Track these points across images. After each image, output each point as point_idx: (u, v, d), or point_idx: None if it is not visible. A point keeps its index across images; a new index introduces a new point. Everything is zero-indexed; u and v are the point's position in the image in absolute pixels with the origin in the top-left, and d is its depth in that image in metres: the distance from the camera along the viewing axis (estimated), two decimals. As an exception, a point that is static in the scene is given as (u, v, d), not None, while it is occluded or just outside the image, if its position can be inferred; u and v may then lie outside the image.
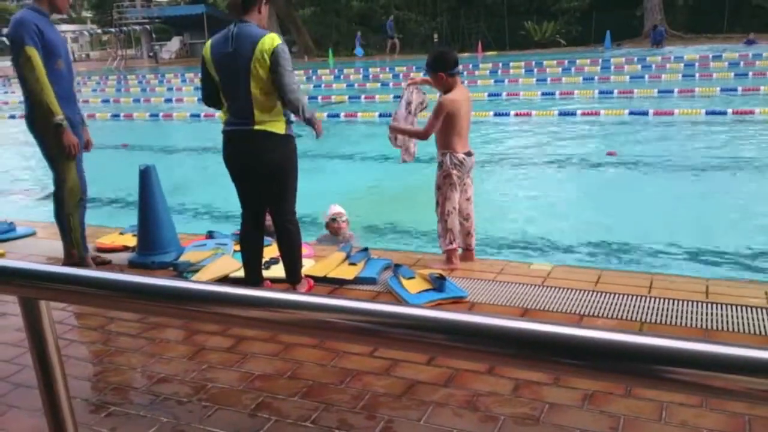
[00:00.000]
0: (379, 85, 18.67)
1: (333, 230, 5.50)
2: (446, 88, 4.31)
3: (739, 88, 12.81)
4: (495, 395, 2.80)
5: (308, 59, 31.39)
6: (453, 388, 2.85)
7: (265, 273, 4.15)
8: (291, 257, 3.93)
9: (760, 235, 5.20)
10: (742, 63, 17.85)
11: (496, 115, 12.01)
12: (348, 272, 4.20)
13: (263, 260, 4.14)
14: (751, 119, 9.91)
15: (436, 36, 32.83)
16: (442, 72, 4.28)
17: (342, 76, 21.56)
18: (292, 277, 3.96)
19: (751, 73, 15.60)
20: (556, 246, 5.21)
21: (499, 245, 5.26)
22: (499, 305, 3.79)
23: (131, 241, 4.94)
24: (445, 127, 4.30)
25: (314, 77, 21.78)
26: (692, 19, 29.76)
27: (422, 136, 4.42)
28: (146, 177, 4.57)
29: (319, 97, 16.43)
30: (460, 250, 4.47)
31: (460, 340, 0.96)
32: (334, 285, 4.16)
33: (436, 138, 4.39)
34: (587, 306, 3.74)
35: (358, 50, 31.58)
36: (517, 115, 11.93)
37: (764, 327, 3.36)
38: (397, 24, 33.76)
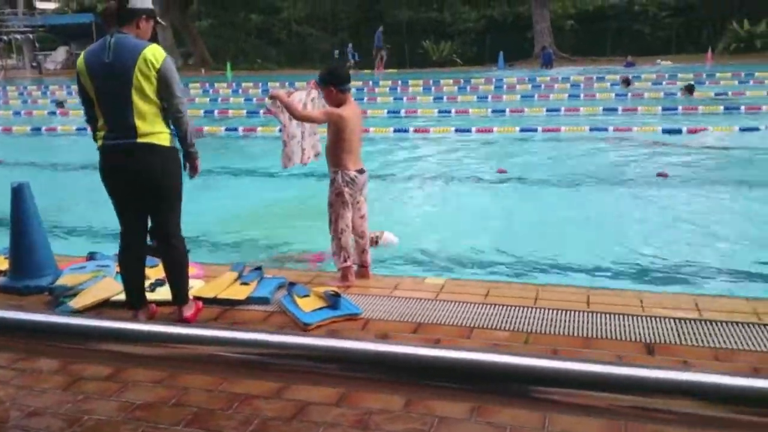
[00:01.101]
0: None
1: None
2: (337, 104, 4.32)
3: (620, 108, 13.69)
4: (387, 412, 2.79)
5: (205, 72, 30.67)
6: (345, 408, 2.82)
7: (150, 295, 3.95)
8: (177, 277, 3.75)
9: (638, 246, 5.54)
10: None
11: (396, 131, 12.18)
12: (239, 292, 4.08)
13: (148, 282, 3.94)
14: (629, 136, 10.61)
15: (336, 52, 33.02)
16: (333, 86, 4.29)
17: (240, 90, 21.19)
18: (179, 300, 3.78)
19: (630, 94, 16.72)
20: (449, 260, 5.31)
21: (396, 261, 5.30)
22: (392, 321, 3.80)
23: (3, 264, 4.58)
24: (335, 143, 4.30)
25: (211, 91, 21.27)
26: (578, 42, 31.63)
27: (302, 117, 4.33)
28: (19, 195, 4.25)
29: (216, 111, 16.05)
30: (355, 267, 4.45)
31: (348, 369, 0.94)
32: (225, 306, 4.03)
33: (328, 155, 4.39)
34: (478, 318, 3.82)
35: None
36: (416, 131, 12.15)
37: (641, 334, 3.55)
38: (298, 38, 33.73)
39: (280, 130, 4.69)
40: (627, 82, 16.49)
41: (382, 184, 8.22)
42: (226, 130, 13.07)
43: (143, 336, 1.00)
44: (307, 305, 3.85)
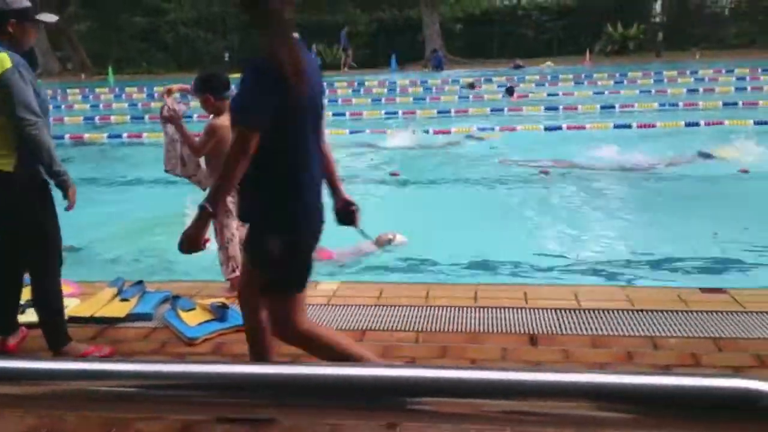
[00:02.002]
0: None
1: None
2: (216, 111, 4.19)
3: (506, 109, 14.23)
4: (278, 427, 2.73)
5: (85, 77, 29.05)
6: (229, 425, 2.72)
7: (22, 318, 3.65)
8: (47, 322, 3.36)
9: (523, 241, 5.75)
10: (509, 85, 19.89)
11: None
12: (119, 309, 3.87)
13: (20, 302, 3.64)
14: (515, 134, 11.05)
15: (227, 55, 32.25)
16: (210, 94, 4.15)
17: (123, 95, 20.22)
18: (54, 345, 3.36)
19: (516, 95, 17.42)
20: (343, 264, 5.29)
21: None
22: (283, 329, 3.73)
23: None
24: (217, 152, 4.17)
25: (92, 96, 20.17)
26: (467, 45, 32.60)
27: (195, 151, 4.23)
28: None
29: (97, 118, 15.23)
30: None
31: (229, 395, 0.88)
32: (104, 325, 3.80)
33: (207, 163, 4.25)
34: (371, 320, 3.83)
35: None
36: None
37: (525, 326, 3.68)
38: (186, 42, 32.66)
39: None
40: (511, 91, 17.01)
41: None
42: (109, 137, 12.44)
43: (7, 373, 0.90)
44: (193, 319, 3.70)
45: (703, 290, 4.12)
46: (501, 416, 0.82)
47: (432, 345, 3.51)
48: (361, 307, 4.02)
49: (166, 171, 4.49)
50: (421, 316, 3.86)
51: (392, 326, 3.75)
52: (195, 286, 4.44)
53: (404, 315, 3.89)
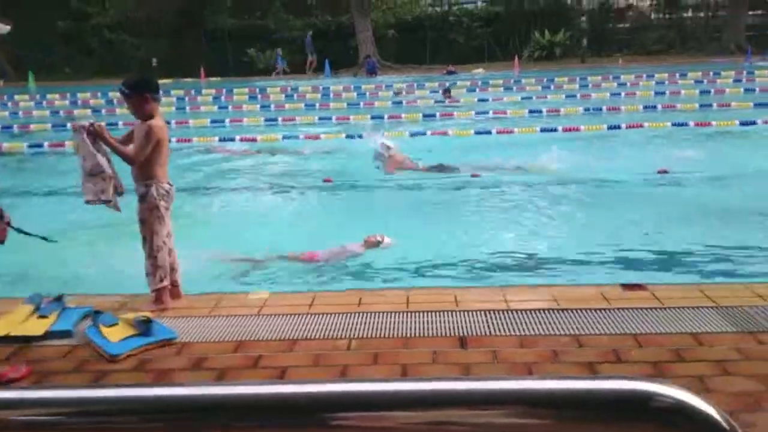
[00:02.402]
0: (89, 111, 17.22)
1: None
2: (150, 113, 4.08)
3: (438, 113, 14.42)
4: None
5: (4, 84, 27.71)
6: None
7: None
8: None
9: (454, 245, 5.82)
10: (440, 90, 20.17)
11: (221, 140, 11.85)
12: (37, 327, 3.68)
13: None
14: (447, 139, 11.20)
15: (155, 61, 31.44)
16: (149, 94, 4.07)
17: (45, 102, 19.39)
18: None
19: (447, 101, 17.67)
20: (274, 272, 5.22)
21: (218, 277, 5.11)
22: (211, 342, 3.65)
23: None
24: (150, 155, 4.06)
25: (10, 104, 19.25)
26: (400, 50, 32.89)
27: (131, 159, 4.09)
28: None
29: (15, 126, 14.55)
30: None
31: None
32: (20, 343, 3.61)
33: (134, 168, 4.12)
34: (302, 330, 3.79)
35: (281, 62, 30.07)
36: (242, 140, 11.89)
37: (455, 329, 3.72)
38: (112, 46, 31.64)
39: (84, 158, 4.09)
40: (447, 91, 17.36)
41: (204, 196, 7.94)
42: (30, 146, 11.89)
43: None
44: (115, 334, 3.57)
45: (625, 287, 4.27)
46: (422, 428, 0.82)
47: (364, 352, 3.50)
48: (293, 316, 3.98)
49: (88, 202, 4.23)
50: (353, 323, 3.84)
51: (324, 335, 3.72)
52: (118, 300, 4.28)
53: (336, 323, 3.86)
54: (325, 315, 3.98)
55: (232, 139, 11.85)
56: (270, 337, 3.70)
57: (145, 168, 4.11)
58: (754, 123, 11.04)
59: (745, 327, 3.55)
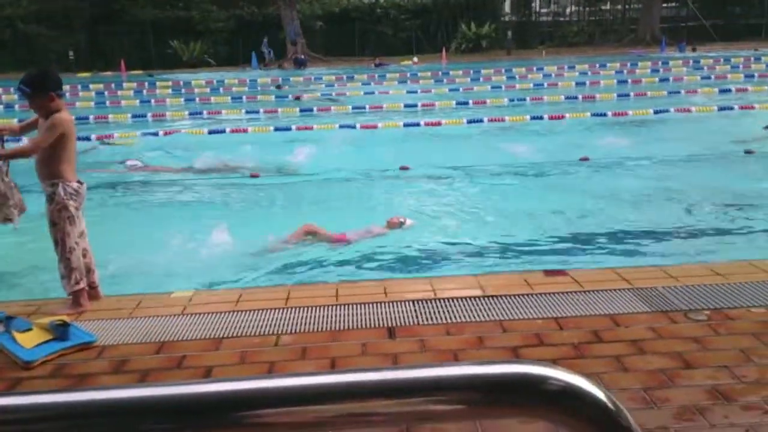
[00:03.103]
0: (1, 107, 16.35)
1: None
2: (54, 110, 3.88)
3: (367, 106, 14.43)
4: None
5: None
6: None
7: None
8: None
9: (385, 237, 5.84)
10: (372, 83, 20.21)
11: (144, 135, 11.47)
12: (-59, 336, 3.47)
13: None
14: (373, 132, 11.23)
15: (72, 53, 30.08)
16: (53, 91, 3.86)
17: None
18: None
19: (377, 92, 17.72)
20: (198, 269, 5.10)
21: (141, 276, 4.95)
22: (132, 344, 3.53)
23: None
24: (55, 152, 3.87)
25: None
26: (328, 42, 32.70)
27: (31, 150, 3.90)
28: None
29: None
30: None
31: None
32: None
33: (42, 169, 3.92)
34: (228, 327, 3.71)
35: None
36: (166, 134, 11.55)
37: (384, 320, 3.74)
38: (25, 39, 30.05)
39: None
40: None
41: (126, 194, 7.67)
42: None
43: None
44: (30, 340, 3.40)
45: (547, 273, 4.39)
46: (339, 420, 0.81)
47: (292, 347, 3.47)
48: (218, 314, 3.89)
49: None
50: (280, 319, 3.80)
51: (251, 331, 3.66)
52: (32, 304, 4.09)
53: (263, 319, 3.81)
54: (252, 311, 3.91)
55: (156, 134, 11.50)
56: (194, 336, 3.61)
57: (50, 166, 3.90)
58: (667, 111, 11.57)
59: (658, 307, 3.72)
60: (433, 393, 0.80)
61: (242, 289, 4.35)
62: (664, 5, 35.61)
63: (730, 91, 14.85)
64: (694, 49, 28.02)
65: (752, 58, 22.21)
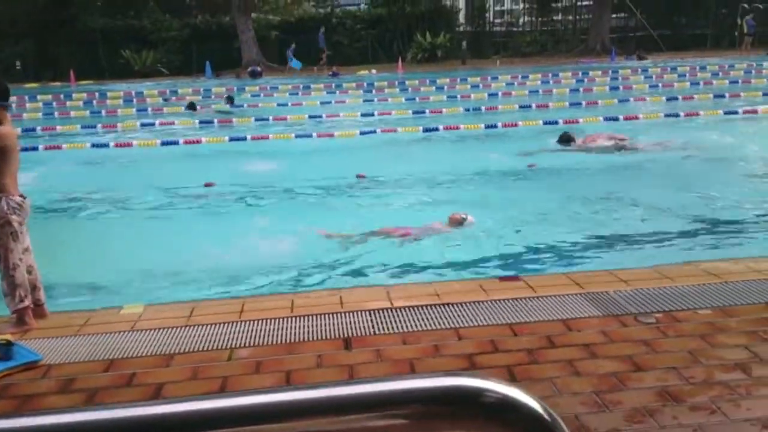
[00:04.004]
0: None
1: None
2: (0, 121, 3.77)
3: (324, 115, 14.40)
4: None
5: None
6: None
7: None
8: None
9: (338, 246, 5.82)
10: (325, 92, 20.19)
11: (93, 146, 11.21)
12: None
13: None
14: (332, 141, 11.21)
15: (18, 63, 29.23)
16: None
17: None
18: None
19: (334, 101, 17.70)
20: (149, 284, 4.99)
21: (90, 292, 4.81)
22: (80, 362, 3.42)
23: None
24: (2, 161, 3.75)
25: None
26: (284, 52, 32.48)
27: None
28: None
29: None
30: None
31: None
32: None
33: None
34: (180, 343, 3.64)
35: (295, 63, 28.70)
36: (117, 146, 11.29)
37: (340, 330, 3.71)
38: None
39: None
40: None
41: (73, 208, 7.46)
42: None
43: None
44: (-31, 362, 3.26)
45: (501, 279, 4.44)
46: None
47: (246, 361, 3.42)
48: (170, 329, 3.81)
49: None
50: (234, 332, 3.74)
51: (203, 346, 3.59)
52: (-27, 324, 3.92)
53: (217, 333, 3.74)
54: (205, 326, 3.85)
55: (106, 146, 11.23)
56: (145, 352, 3.52)
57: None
58: (616, 119, 11.86)
59: (609, 311, 3.79)
60: (370, 409, 0.79)
61: (195, 303, 4.26)
62: (614, 16, 36.58)
63: (676, 98, 15.31)
64: (641, 58, 28.88)
65: (697, 67, 22.98)
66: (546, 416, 0.75)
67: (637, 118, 12.19)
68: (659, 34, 34.23)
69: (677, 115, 12.41)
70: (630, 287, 4.12)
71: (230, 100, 16.49)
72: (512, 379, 3.08)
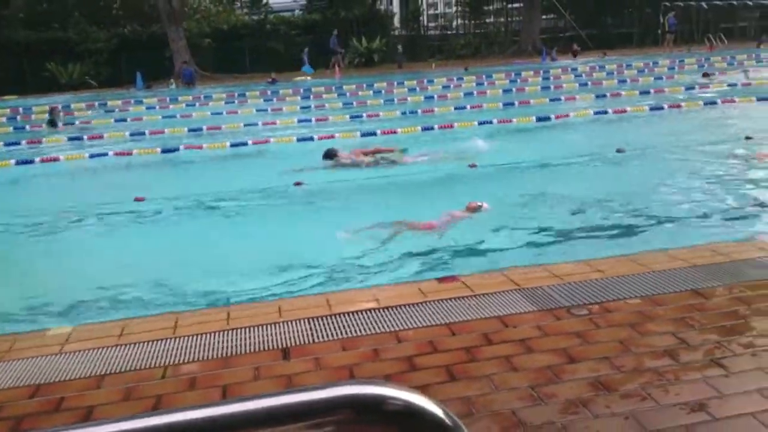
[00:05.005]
0: None
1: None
2: None
3: (260, 122, 14.23)
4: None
5: None
6: None
7: None
8: None
9: (274, 254, 5.74)
10: (262, 99, 20.00)
11: (18, 163, 10.74)
12: None
13: None
14: (266, 148, 11.09)
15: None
16: None
17: None
18: None
19: (270, 108, 17.53)
20: (77, 304, 4.79)
21: (13, 316, 4.58)
22: (5, 389, 3.25)
23: None
24: None
25: None
26: (218, 60, 32.03)
27: None
28: None
29: None
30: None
31: None
32: None
33: None
34: (111, 363, 3.50)
35: (307, 68, 28.52)
36: (42, 161, 10.86)
37: (278, 341, 3.65)
38: None
39: None
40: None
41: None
42: None
43: None
44: None
45: (440, 280, 4.47)
46: None
47: (180, 378, 3.32)
48: (101, 349, 3.67)
49: None
50: (168, 349, 3.63)
51: (136, 365, 3.47)
52: None
53: (149, 351, 3.62)
54: (136, 344, 3.72)
55: (31, 162, 10.78)
56: (74, 375, 3.37)
57: None
58: (548, 119, 12.17)
59: (544, 305, 3.86)
60: (278, 420, 0.77)
61: (126, 321, 4.12)
62: (544, 17, 37.62)
63: (605, 96, 15.83)
64: (575, 54, 29.83)
65: (624, 65, 23.80)
66: (448, 421, 0.74)
67: (567, 116, 12.53)
68: (587, 34, 35.37)
69: (606, 112, 12.84)
70: (563, 281, 4.21)
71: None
72: (451, 378, 3.09)
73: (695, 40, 34.54)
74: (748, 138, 9.81)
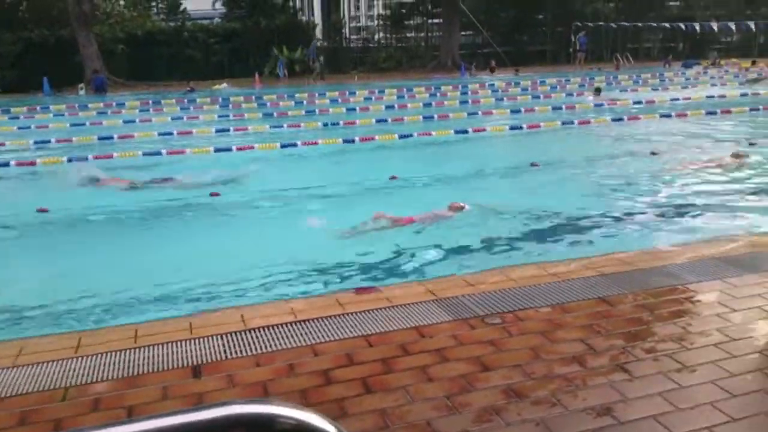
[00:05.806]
0: None
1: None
2: None
3: (175, 131, 13.81)
4: None
5: None
6: None
7: None
8: None
9: (189, 271, 5.55)
10: (178, 108, 19.45)
11: None
12: None
13: None
14: (184, 157, 10.78)
15: None
16: None
17: None
18: None
19: (185, 117, 17.06)
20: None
21: None
22: None
23: None
24: None
25: None
26: (132, 67, 30.91)
27: None
28: None
29: None
30: None
31: None
32: None
33: None
34: (6, 386, 3.27)
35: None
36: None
37: (189, 358, 3.51)
38: None
39: None
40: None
41: None
42: None
43: None
44: None
45: (358, 291, 4.44)
46: None
47: (82, 400, 3.13)
48: (-5, 370, 3.42)
49: None
50: (69, 370, 3.42)
51: (34, 387, 3.25)
52: None
53: (49, 372, 3.41)
54: (35, 365, 3.49)
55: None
56: (-38, 401, 3.12)
57: None
58: (466, 132, 12.44)
59: (459, 315, 3.91)
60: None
61: (24, 341, 3.86)
62: (462, 33, 38.56)
63: (519, 111, 16.35)
64: (492, 71, 30.70)
65: (538, 81, 24.73)
66: (341, 439, 0.71)
67: (484, 130, 12.85)
68: (504, 51, 36.52)
69: (521, 128, 13.25)
70: (478, 291, 4.28)
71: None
72: (367, 390, 3.07)
73: (604, 58, 36.35)
74: (653, 153, 10.39)
